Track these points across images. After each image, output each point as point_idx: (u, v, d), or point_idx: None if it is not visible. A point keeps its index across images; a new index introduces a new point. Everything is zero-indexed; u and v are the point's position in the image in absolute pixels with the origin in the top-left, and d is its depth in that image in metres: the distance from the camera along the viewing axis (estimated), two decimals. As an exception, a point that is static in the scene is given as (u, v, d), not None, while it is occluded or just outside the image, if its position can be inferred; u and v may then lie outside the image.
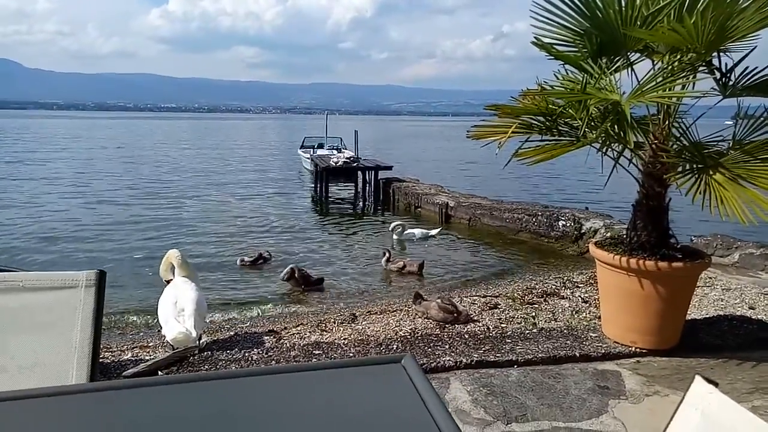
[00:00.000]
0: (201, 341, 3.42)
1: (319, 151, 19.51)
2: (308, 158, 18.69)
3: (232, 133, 64.71)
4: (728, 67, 3.05)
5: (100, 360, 2.01)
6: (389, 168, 14.70)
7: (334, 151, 18.96)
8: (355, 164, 14.98)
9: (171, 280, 3.61)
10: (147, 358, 3.28)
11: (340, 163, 14.85)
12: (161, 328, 3.38)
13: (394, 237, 9.29)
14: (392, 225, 9.53)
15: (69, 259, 8.05)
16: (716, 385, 1.06)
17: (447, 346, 3.30)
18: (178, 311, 3.32)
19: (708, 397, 1.05)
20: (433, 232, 9.45)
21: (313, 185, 16.29)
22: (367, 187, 15.12)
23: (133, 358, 3.30)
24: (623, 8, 2.97)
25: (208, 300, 4.08)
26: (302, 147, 21.89)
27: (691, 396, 1.08)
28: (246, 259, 7.33)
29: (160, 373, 2.98)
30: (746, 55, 2.99)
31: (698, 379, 1.09)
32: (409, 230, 9.39)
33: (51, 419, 0.86)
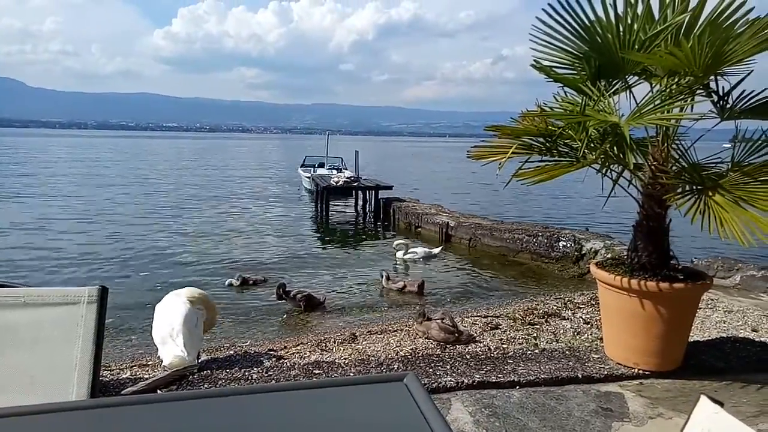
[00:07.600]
0: (200, 360, 3.39)
1: (319, 171, 19.57)
2: (308, 177, 18.75)
3: (233, 152, 65.10)
4: (725, 91, 3.09)
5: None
6: (389, 188, 14.76)
7: (334, 171, 19.02)
8: (355, 184, 15.03)
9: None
10: (146, 376, 3.24)
11: (340, 182, 14.91)
12: (158, 349, 3.33)
13: (398, 255, 9.27)
14: (395, 243, 9.53)
15: (70, 275, 8.05)
16: (722, 405, 1.05)
17: (448, 367, 3.28)
18: (170, 330, 3.25)
19: (714, 417, 1.05)
20: (436, 250, 9.47)
21: (313, 204, 16.31)
22: (368, 207, 15.16)
23: (131, 377, 3.27)
24: (621, 32, 3.02)
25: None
26: (303, 166, 22.01)
27: (696, 416, 1.07)
28: (233, 281, 7.27)
29: (159, 391, 2.95)
30: (743, 79, 3.03)
31: (704, 399, 1.08)
32: (412, 249, 9.39)
33: (52, 436, 0.85)
